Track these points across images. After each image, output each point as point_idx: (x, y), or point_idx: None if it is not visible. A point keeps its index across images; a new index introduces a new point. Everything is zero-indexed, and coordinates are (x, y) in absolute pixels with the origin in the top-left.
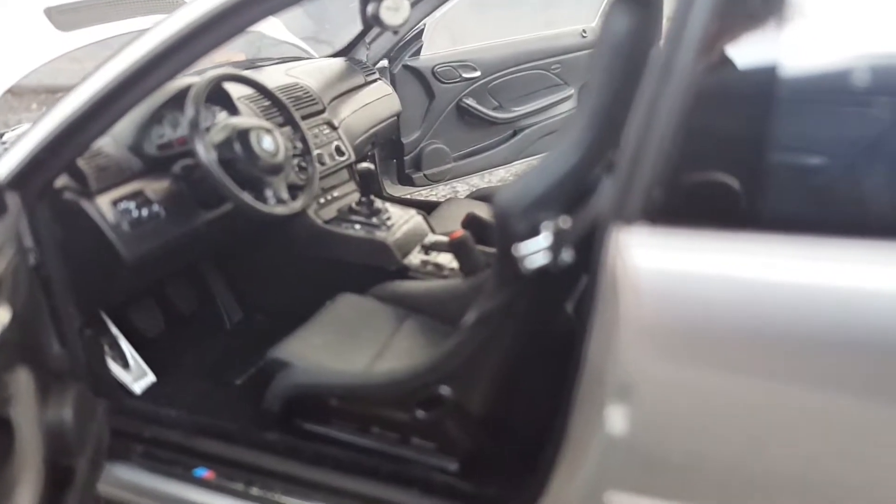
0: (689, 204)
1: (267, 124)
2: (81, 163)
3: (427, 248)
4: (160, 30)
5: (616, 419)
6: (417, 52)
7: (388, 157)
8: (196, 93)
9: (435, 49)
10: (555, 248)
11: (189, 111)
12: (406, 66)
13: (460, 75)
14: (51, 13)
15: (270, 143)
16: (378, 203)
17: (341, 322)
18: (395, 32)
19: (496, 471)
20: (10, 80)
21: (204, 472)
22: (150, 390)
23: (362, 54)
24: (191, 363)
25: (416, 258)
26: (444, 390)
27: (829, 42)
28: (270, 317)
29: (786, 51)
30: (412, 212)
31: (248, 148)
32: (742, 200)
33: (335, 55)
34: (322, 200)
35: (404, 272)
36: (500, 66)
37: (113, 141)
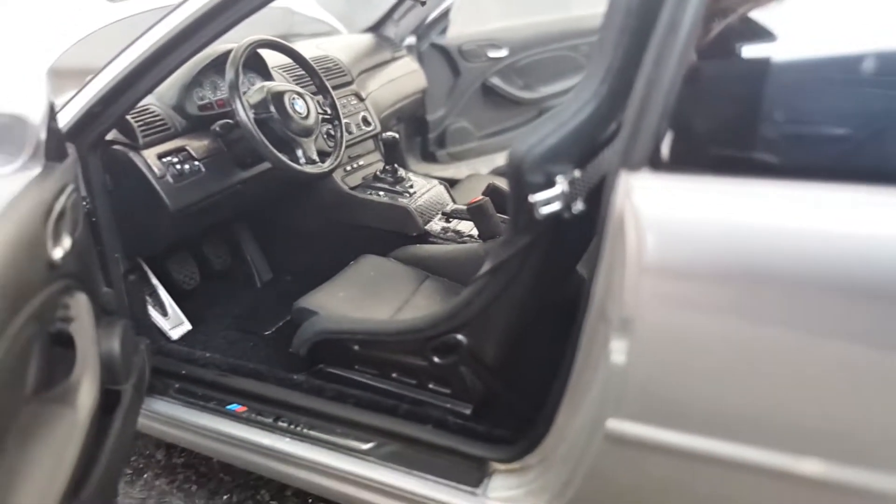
0: (690, 152)
1: (299, 89)
2: (130, 119)
3: (448, 216)
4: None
5: (617, 352)
6: (444, 31)
7: (413, 134)
8: (235, 56)
9: (461, 28)
10: (567, 198)
11: (229, 73)
12: (433, 45)
13: (486, 55)
14: None
15: (303, 106)
16: (402, 172)
17: (364, 279)
18: (423, 3)
19: (507, 414)
20: (65, 46)
21: (236, 407)
22: (185, 337)
23: (391, 31)
24: (223, 315)
25: (436, 225)
26: (460, 338)
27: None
28: (298, 278)
29: (781, 13)
30: (434, 182)
31: (282, 109)
32: (738, 148)
33: (365, 31)
34: (348, 168)
35: (425, 237)
36: (526, 47)
37: (158, 101)
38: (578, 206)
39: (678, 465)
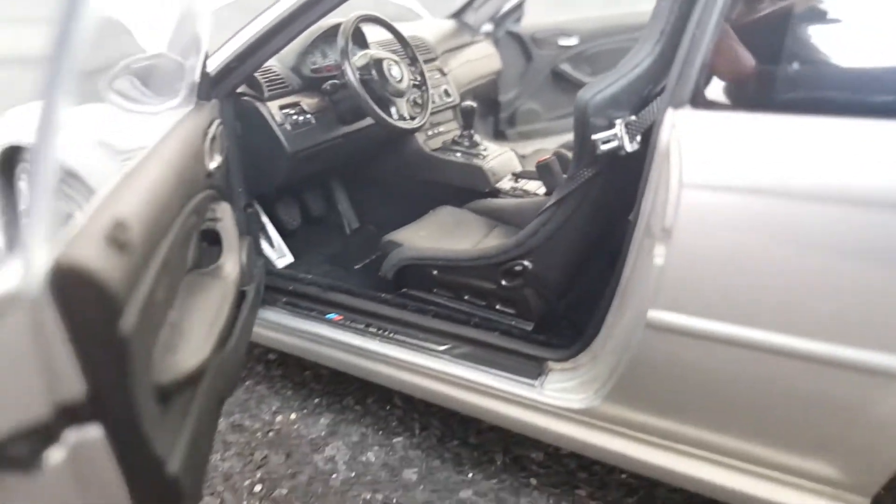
0: (722, 93)
1: (396, 57)
2: (258, 76)
3: (517, 177)
4: None
5: (658, 256)
6: (519, 20)
7: (486, 114)
8: (345, 28)
9: (535, 17)
10: (623, 138)
11: (340, 41)
12: (508, 32)
13: (557, 43)
14: None
15: (398, 71)
16: (477, 137)
17: (441, 223)
18: None
19: (564, 329)
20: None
21: (334, 316)
22: (288, 267)
23: (470, 18)
24: (319, 253)
25: (506, 184)
26: (526, 263)
27: None
28: (380, 227)
29: None
30: (506, 148)
31: (381, 73)
32: (760, 90)
33: (447, 18)
34: (430, 133)
35: (495, 194)
36: (595, 37)
37: (280, 63)
38: (632, 146)
39: (703, 346)
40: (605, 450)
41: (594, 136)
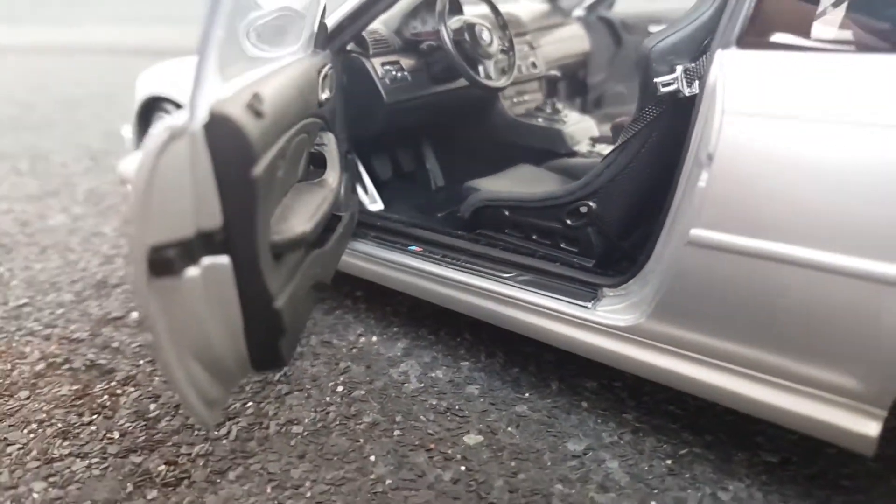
0: (764, 35)
1: (487, 24)
2: (365, 35)
3: (594, 141)
4: None
5: (701, 180)
6: (611, 5)
7: (574, 94)
8: None
9: (626, 4)
10: (682, 82)
11: (439, 4)
12: (600, 17)
13: (647, 28)
14: None
15: (488, 35)
16: (559, 105)
17: (519, 177)
18: None
19: (621, 266)
20: None
21: (415, 248)
22: (386, 215)
23: (564, 1)
24: (406, 202)
25: (584, 147)
26: (591, 204)
27: None
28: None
29: None
30: (587, 116)
31: (472, 36)
32: (795, 34)
33: (543, 0)
34: (515, 100)
35: (573, 156)
36: None
37: (384, 26)
38: (690, 90)
39: (738, 261)
40: (647, 364)
41: (656, 80)
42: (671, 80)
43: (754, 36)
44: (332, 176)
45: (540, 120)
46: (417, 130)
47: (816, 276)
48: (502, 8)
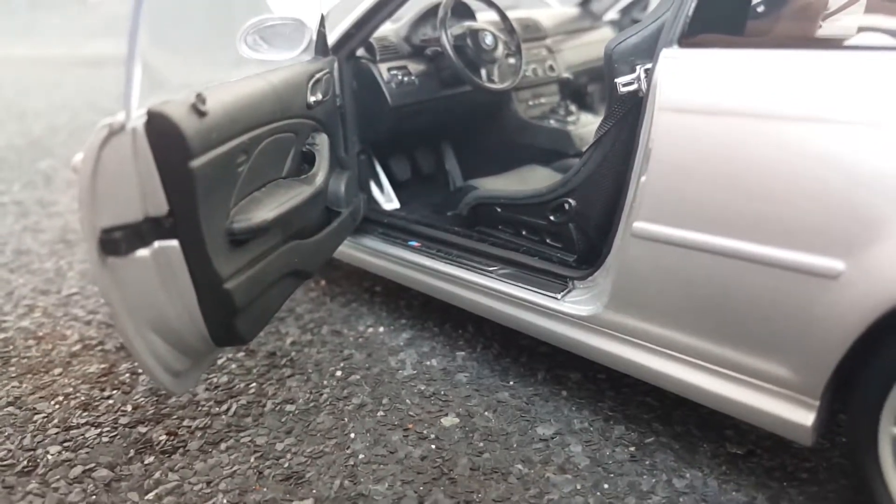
0: (705, 33)
1: (492, 29)
2: (373, 41)
3: None
4: None
5: (642, 174)
6: (645, 8)
7: (603, 96)
8: (446, 2)
9: None
10: (642, 81)
11: (440, 12)
12: (634, 20)
13: None
14: None
15: (491, 39)
16: (572, 108)
17: (521, 177)
18: None
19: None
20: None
21: (415, 243)
22: (393, 211)
23: (595, 6)
24: (424, 202)
25: None
26: (571, 201)
27: None
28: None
29: None
30: (599, 119)
31: (475, 41)
32: (729, 32)
33: (575, 6)
34: (530, 103)
35: (580, 156)
36: None
37: (394, 32)
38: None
39: (677, 253)
40: (605, 352)
41: (616, 80)
42: (631, 80)
43: (693, 35)
44: (320, 174)
45: (552, 122)
46: (435, 132)
47: (746, 268)
48: (531, 13)
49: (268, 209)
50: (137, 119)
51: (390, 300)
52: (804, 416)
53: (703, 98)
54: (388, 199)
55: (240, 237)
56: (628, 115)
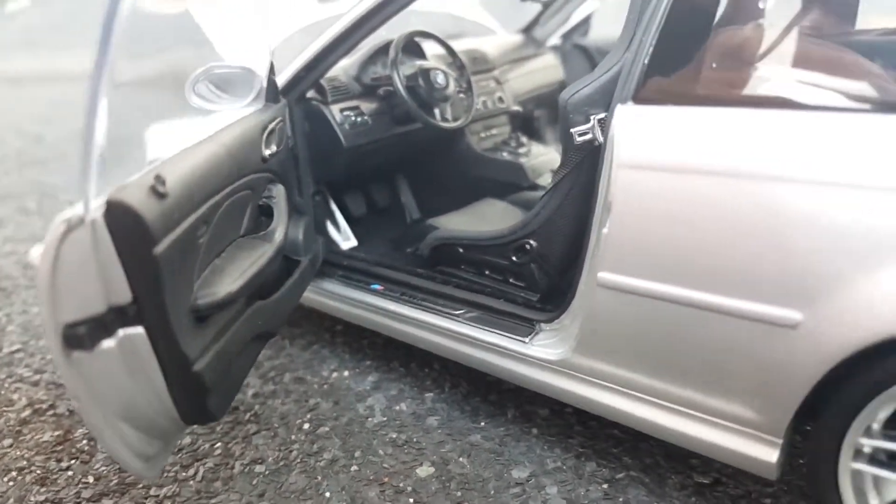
0: (659, 90)
1: (443, 66)
2: (324, 83)
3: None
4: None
5: (605, 226)
6: (586, 33)
7: (553, 121)
8: (397, 42)
9: (601, 30)
10: (596, 131)
11: (392, 53)
12: (575, 45)
13: None
14: None
15: (443, 79)
16: (524, 139)
17: (480, 212)
18: (544, 4)
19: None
20: (282, 37)
21: (377, 286)
22: (352, 250)
23: (538, 32)
24: (381, 237)
25: (545, 179)
26: (532, 242)
27: None
28: (435, 216)
29: None
30: (550, 149)
31: (427, 80)
32: (681, 89)
33: (517, 32)
34: (482, 135)
35: (534, 188)
36: None
37: (344, 72)
38: (603, 138)
39: (642, 302)
40: (576, 395)
41: (572, 130)
42: (586, 130)
43: (647, 91)
44: (279, 230)
45: (505, 154)
46: (390, 167)
47: (710, 317)
48: (475, 43)
49: (231, 278)
50: (96, 210)
51: (352, 340)
52: (769, 454)
53: (659, 156)
54: (345, 238)
55: (205, 312)
56: (583, 161)
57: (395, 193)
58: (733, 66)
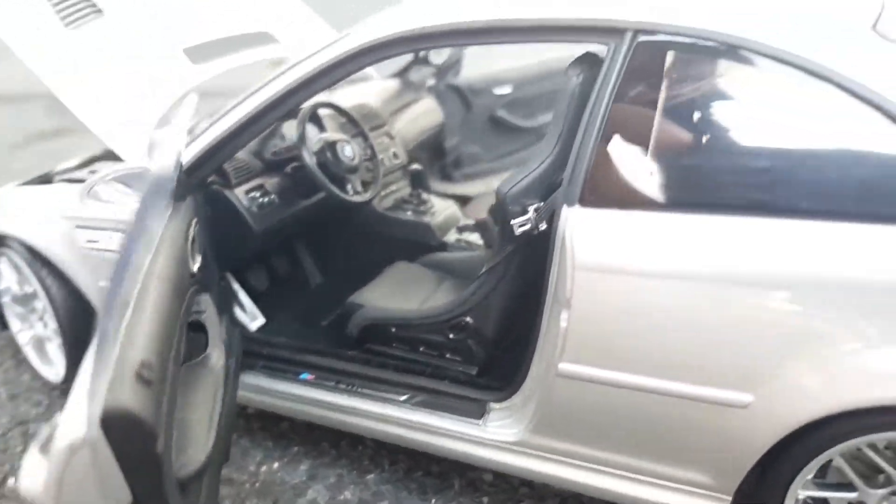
0: (603, 194)
1: (347, 138)
2: (225, 165)
3: (461, 230)
4: (277, 82)
5: (563, 320)
6: (458, 73)
7: (434, 159)
8: (302, 116)
9: (472, 70)
10: (534, 221)
11: (298, 129)
12: (448, 85)
13: (493, 91)
14: (189, 51)
15: (350, 151)
16: (424, 195)
17: (397, 281)
18: (436, 66)
19: (501, 372)
20: (163, 108)
21: (307, 376)
22: (261, 329)
23: (414, 76)
24: (289, 310)
25: (451, 236)
26: (468, 320)
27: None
28: (343, 281)
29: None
30: (450, 202)
31: (335, 154)
32: (629, 192)
33: (393, 76)
34: (382, 193)
35: (443, 247)
36: (525, 83)
37: (242, 150)
38: (542, 226)
39: (604, 389)
40: (536, 472)
41: (512, 221)
42: (525, 221)
43: (592, 196)
44: (216, 352)
45: (409, 213)
46: (291, 237)
47: (668, 401)
48: (359, 95)
49: (199, 440)
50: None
51: (271, 424)
52: None
53: (613, 259)
54: (252, 318)
55: (184, 483)
56: (519, 248)
57: (296, 260)
58: (673, 170)
